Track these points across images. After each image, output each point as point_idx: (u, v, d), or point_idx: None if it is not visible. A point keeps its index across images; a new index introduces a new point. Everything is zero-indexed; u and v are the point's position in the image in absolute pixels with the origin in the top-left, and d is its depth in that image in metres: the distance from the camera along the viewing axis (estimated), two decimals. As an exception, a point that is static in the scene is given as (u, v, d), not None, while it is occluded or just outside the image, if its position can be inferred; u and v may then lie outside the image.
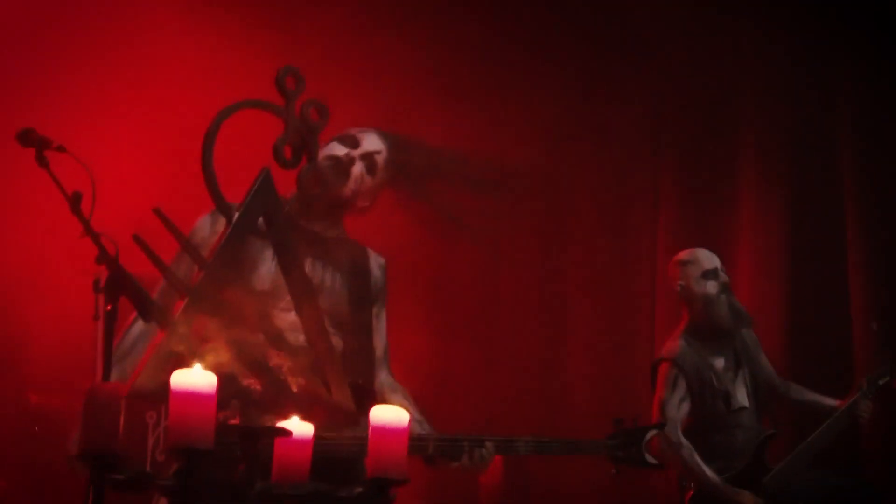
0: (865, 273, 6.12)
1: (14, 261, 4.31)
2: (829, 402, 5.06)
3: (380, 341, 3.54)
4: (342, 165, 3.29)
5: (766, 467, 4.81)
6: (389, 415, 2.59)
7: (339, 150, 3.29)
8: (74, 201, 2.93)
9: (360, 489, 2.57)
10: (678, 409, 4.87)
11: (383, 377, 3.53)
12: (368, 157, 3.35)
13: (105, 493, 2.47)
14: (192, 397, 2.27)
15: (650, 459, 3.70)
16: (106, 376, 2.91)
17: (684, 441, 4.79)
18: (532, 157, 6.71)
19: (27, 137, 3.07)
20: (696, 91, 6.75)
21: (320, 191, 3.18)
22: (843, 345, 6.04)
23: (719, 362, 5.01)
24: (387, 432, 2.57)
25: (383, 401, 3.46)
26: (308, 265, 3.30)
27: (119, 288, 2.75)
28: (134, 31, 4.69)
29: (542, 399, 6.51)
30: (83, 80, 4.44)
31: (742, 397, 4.98)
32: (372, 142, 3.38)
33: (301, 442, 2.66)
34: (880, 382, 4.99)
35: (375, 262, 3.52)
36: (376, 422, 2.58)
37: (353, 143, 3.31)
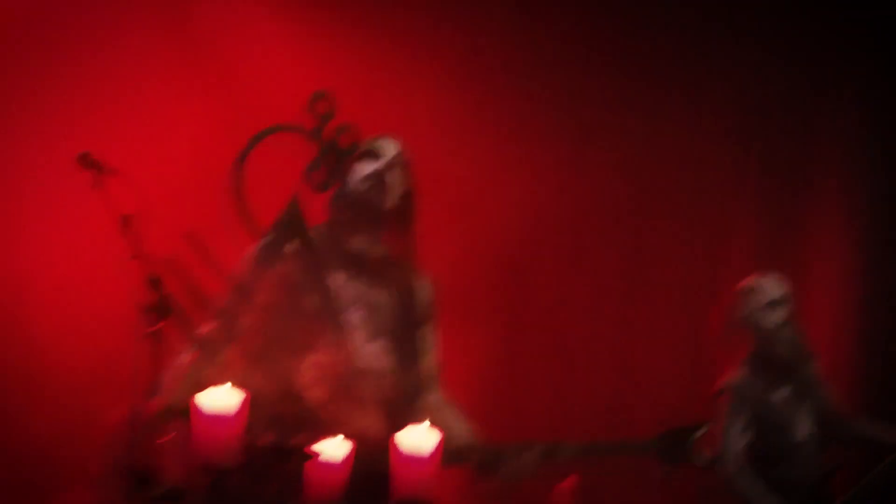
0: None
1: (62, 277, 4.44)
2: (892, 434, 4.97)
3: (430, 359, 3.58)
4: (379, 182, 3.34)
5: (829, 501, 4.74)
6: (414, 437, 2.63)
7: (368, 167, 3.33)
8: (125, 224, 3.02)
9: (384, 509, 2.62)
10: (740, 438, 4.80)
11: (432, 397, 3.56)
12: (396, 163, 3.41)
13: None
14: (217, 416, 2.32)
15: (699, 459, 3.69)
16: (149, 396, 3.00)
17: (745, 471, 4.74)
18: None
19: (86, 160, 3.17)
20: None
21: (353, 213, 3.23)
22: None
23: (781, 394, 4.90)
24: (412, 454, 2.62)
25: (434, 417, 3.50)
26: (363, 285, 3.35)
27: (165, 310, 2.83)
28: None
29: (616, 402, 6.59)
30: (133, 102, 4.56)
31: (804, 430, 4.90)
32: (389, 147, 3.43)
33: (334, 463, 2.71)
34: None
35: (422, 281, 3.56)
36: (402, 444, 2.62)
37: (375, 155, 3.34)
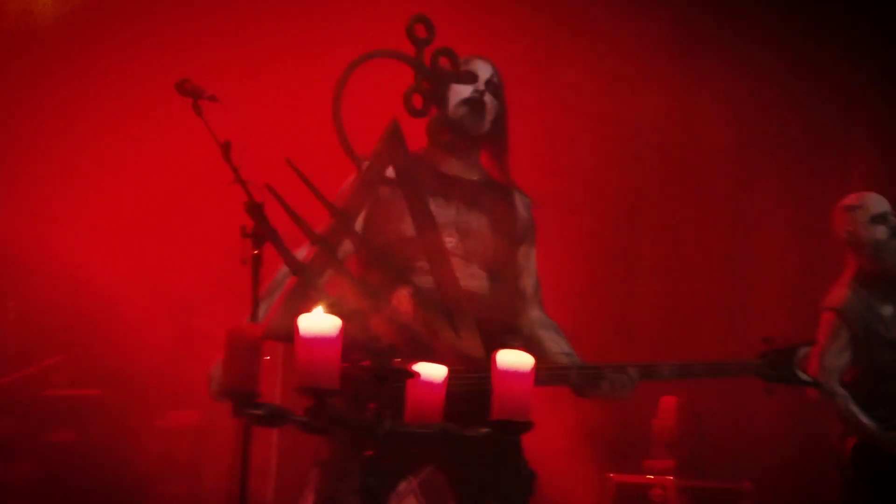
0: None
1: (169, 202, 4.55)
2: None
3: (529, 279, 3.61)
4: (477, 104, 3.36)
5: None
6: (513, 359, 2.65)
7: (465, 90, 3.34)
8: (225, 149, 3.08)
9: (485, 429, 2.65)
10: (837, 358, 4.78)
11: (535, 314, 3.59)
12: (491, 85, 3.42)
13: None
14: (318, 339, 2.37)
15: (803, 377, 3.67)
16: (253, 317, 3.07)
17: (840, 390, 4.72)
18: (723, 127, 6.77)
19: (183, 87, 3.24)
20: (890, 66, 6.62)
21: (452, 137, 3.24)
22: None
23: (888, 309, 4.87)
24: (511, 376, 2.63)
25: (535, 337, 3.54)
26: (454, 210, 3.39)
27: (264, 236, 2.89)
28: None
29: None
30: (232, 32, 4.61)
31: None
32: (484, 69, 3.44)
33: (433, 384, 2.75)
34: None
35: (521, 201, 3.58)
36: (501, 366, 2.64)
37: (472, 77, 3.34)
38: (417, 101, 2.79)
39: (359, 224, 3.22)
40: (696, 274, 7.14)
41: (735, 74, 7.16)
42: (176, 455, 5.42)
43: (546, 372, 3.35)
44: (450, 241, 3.33)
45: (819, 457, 4.91)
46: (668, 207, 7.20)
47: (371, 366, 2.56)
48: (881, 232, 4.85)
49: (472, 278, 3.35)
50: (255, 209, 2.90)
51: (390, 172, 2.73)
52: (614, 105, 7.00)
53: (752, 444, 6.71)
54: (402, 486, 5.50)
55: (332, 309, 2.52)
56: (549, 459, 5.90)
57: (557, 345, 3.52)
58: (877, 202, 4.92)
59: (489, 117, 3.43)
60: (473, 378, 3.08)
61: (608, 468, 6.32)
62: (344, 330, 2.43)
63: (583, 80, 6.51)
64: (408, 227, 2.98)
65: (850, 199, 4.99)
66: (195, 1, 4.71)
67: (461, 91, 3.34)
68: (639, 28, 6.88)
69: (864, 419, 4.66)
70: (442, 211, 3.34)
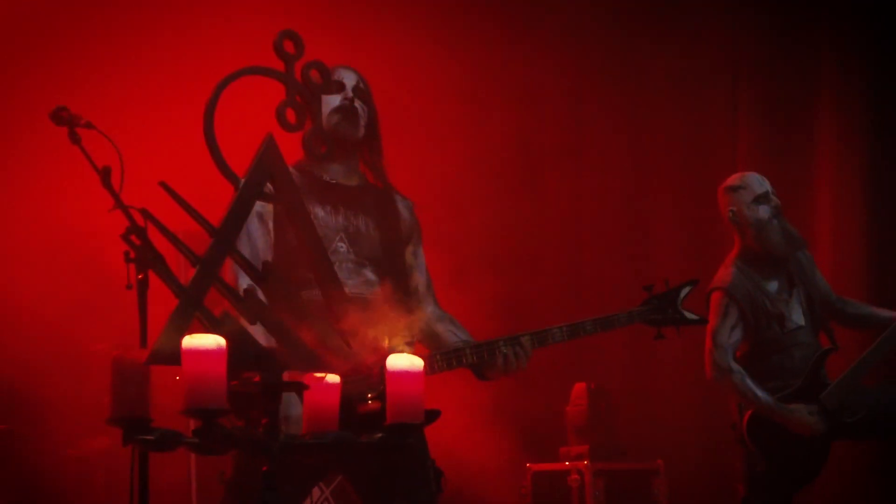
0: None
1: (54, 233, 4.53)
2: (887, 314, 5.05)
3: (421, 277, 3.66)
4: (349, 112, 3.42)
5: (824, 383, 4.83)
6: (404, 362, 2.69)
7: (334, 100, 3.39)
8: (105, 175, 3.07)
9: (379, 435, 2.68)
10: (729, 336, 4.90)
11: (430, 310, 3.64)
12: (359, 91, 3.48)
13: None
14: (203, 359, 2.39)
15: (689, 316, 3.75)
16: (143, 342, 3.07)
17: (734, 366, 4.84)
18: (611, 98, 6.88)
19: (59, 116, 3.23)
20: (775, 28, 6.76)
21: (329, 147, 3.28)
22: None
23: (772, 286, 5.01)
24: (402, 379, 2.67)
25: (432, 332, 3.59)
26: (341, 217, 3.44)
27: (146, 260, 2.88)
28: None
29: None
30: (105, 59, 4.60)
31: (797, 317, 4.99)
32: (349, 77, 3.50)
33: (326, 394, 2.77)
34: None
35: (403, 203, 3.64)
36: (392, 370, 2.68)
37: (339, 86, 3.40)
38: (291, 116, 2.80)
39: (265, 244, 3.27)
40: (597, 243, 7.27)
41: (623, 58, 7.27)
42: (89, 482, 5.38)
43: (441, 356, 3.41)
44: (341, 247, 3.39)
45: (725, 432, 5.01)
46: (567, 183, 7.30)
47: (261, 381, 2.57)
48: (763, 212, 4.99)
49: (364, 284, 3.41)
50: (136, 233, 2.89)
51: (269, 188, 2.74)
52: (514, 92, 7.08)
53: (661, 424, 6.84)
54: (315, 494, 5.55)
55: (220, 328, 2.54)
56: (468, 454, 5.97)
57: (455, 335, 3.58)
58: (758, 182, 5.05)
59: (362, 122, 3.50)
60: (369, 385, 3.11)
61: (528, 459, 6.41)
62: (229, 348, 2.45)
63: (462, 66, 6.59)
64: (292, 238, 3.01)
65: (733, 180, 5.11)
66: (66, 27, 4.68)
67: (331, 101, 3.39)
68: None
69: (760, 393, 4.78)
70: (330, 218, 3.40)
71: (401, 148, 3.69)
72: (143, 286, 3.03)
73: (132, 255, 3.03)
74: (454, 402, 5.75)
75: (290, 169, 3.01)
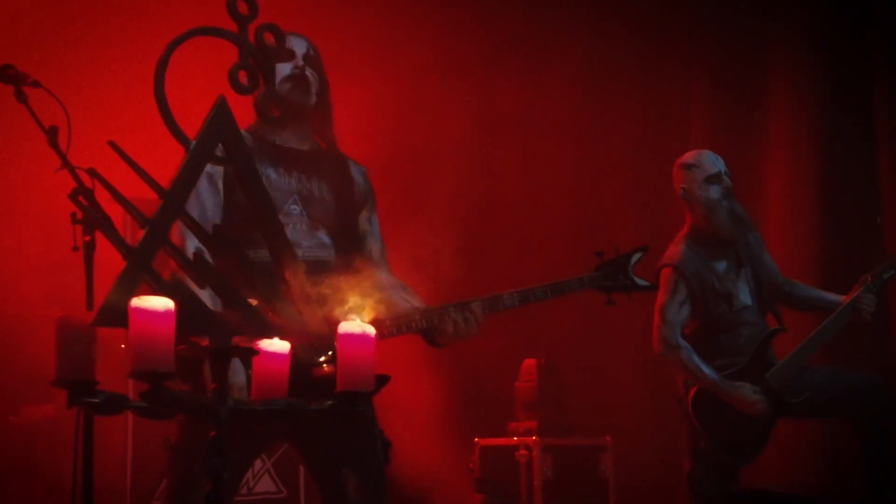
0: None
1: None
2: (834, 297, 5.08)
3: (375, 244, 3.64)
4: (300, 80, 3.40)
5: (770, 363, 4.86)
6: (355, 329, 2.66)
7: (286, 68, 3.36)
8: (52, 135, 3.01)
9: (329, 402, 2.66)
10: (678, 312, 4.93)
11: (383, 277, 3.62)
12: (309, 59, 3.45)
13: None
14: (151, 321, 2.35)
15: (640, 282, 3.77)
16: (89, 304, 3.03)
17: (682, 342, 4.87)
18: (568, 77, 6.87)
19: (5, 74, 3.16)
20: (729, 6, 6.78)
21: (281, 112, 3.25)
22: (875, 248, 6.04)
23: (721, 265, 5.04)
24: (353, 346, 2.65)
25: (385, 299, 3.56)
26: (295, 179, 3.41)
27: (94, 222, 2.84)
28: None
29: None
30: (53, 17, 4.52)
31: (745, 296, 5.02)
32: (299, 44, 3.47)
33: (276, 360, 2.74)
34: (885, 276, 5.01)
35: (357, 169, 3.62)
36: (343, 337, 2.65)
37: (289, 55, 3.36)
38: (244, 78, 2.76)
39: (215, 205, 3.23)
40: (550, 216, 7.29)
41: (579, 32, 7.27)
42: (33, 450, 5.31)
43: (391, 321, 3.39)
44: (294, 209, 3.37)
45: (672, 409, 5.04)
46: (521, 156, 7.32)
47: (210, 345, 2.54)
48: (714, 192, 5.00)
49: (319, 247, 3.39)
50: (84, 195, 2.84)
51: (220, 150, 2.70)
52: (471, 63, 7.06)
53: (610, 401, 6.88)
54: (258, 465, 5.52)
55: (168, 291, 2.50)
56: (416, 429, 5.97)
57: (408, 302, 3.56)
58: (712, 162, 5.06)
59: (314, 90, 3.46)
60: (321, 350, 3.09)
61: (476, 434, 6.41)
62: (178, 311, 2.41)
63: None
64: (244, 201, 2.97)
65: (687, 157, 5.12)
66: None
67: (282, 69, 3.35)
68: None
69: (706, 369, 4.81)
70: (283, 180, 3.38)
71: (355, 115, 3.65)
72: (89, 248, 2.98)
73: (79, 216, 2.98)
74: (404, 375, 5.76)
75: (243, 132, 2.98)
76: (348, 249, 3.44)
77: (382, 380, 3.05)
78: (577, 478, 6.17)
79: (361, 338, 2.65)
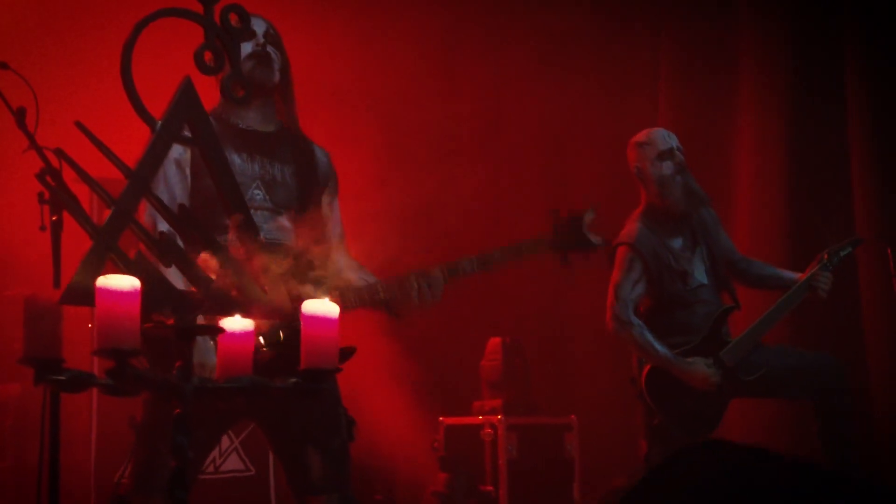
0: (866, 150, 6.13)
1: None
2: (791, 275, 5.14)
3: (335, 228, 3.69)
4: (262, 57, 3.43)
5: (724, 340, 4.93)
6: (319, 307, 2.70)
7: (246, 47, 3.39)
8: (19, 116, 3.03)
9: (294, 380, 2.69)
10: (631, 290, 4.98)
11: (342, 259, 3.65)
12: (269, 37, 3.49)
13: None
14: (116, 300, 2.38)
15: (594, 240, 3.83)
16: (56, 283, 3.05)
17: (634, 320, 4.92)
18: (532, 48, 6.89)
19: (-27, 57, 3.17)
20: None
21: (246, 92, 3.27)
22: (846, 226, 6.10)
23: (676, 242, 5.09)
24: (317, 324, 2.68)
25: (345, 280, 3.60)
26: (258, 164, 3.43)
27: (61, 202, 2.86)
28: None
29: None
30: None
31: (700, 274, 5.07)
32: (259, 24, 3.50)
33: (240, 339, 2.78)
34: (842, 254, 5.05)
35: (320, 151, 3.66)
36: (307, 315, 2.69)
37: (251, 34, 3.39)
38: (209, 59, 2.79)
39: (182, 190, 3.26)
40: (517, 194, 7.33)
41: (546, 6, 7.29)
42: (0, 429, 5.32)
43: (353, 293, 3.43)
44: (257, 195, 3.39)
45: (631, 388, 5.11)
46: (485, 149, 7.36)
47: (175, 323, 2.57)
48: (667, 168, 5.05)
49: (280, 230, 3.42)
50: (51, 175, 2.86)
51: (186, 132, 2.72)
52: (435, 36, 7.07)
53: (575, 380, 6.94)
54: (225, 443, 5.55)
55: (134, 270, 2.53)
56: (380, 407, 6.01)
57: (367, 282, 3.60)
58: (663, 139, 5.10)
59: (276, 67, 3.50)
60: (284, 330, 3.13)
61: (441, 413, 6.46)
62: (144, 290, 2.44)
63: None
64: (209, 184, 3.00)
65: (640, 136, 5.17)
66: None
67: (244, 47, 3.38)
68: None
69: (658, 346, 4.86)
70: (246, 165, 3.41)
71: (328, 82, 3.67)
72: (56, 227, 3.00)
73: (46, 195, 3.00)
74: (368, 355, 5.80)
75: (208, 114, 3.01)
76: (308, 232, 3.48)
77: (348, 352, 3.10)
78: (542, 457, 6.22)
79: (325, 316, 2.69)
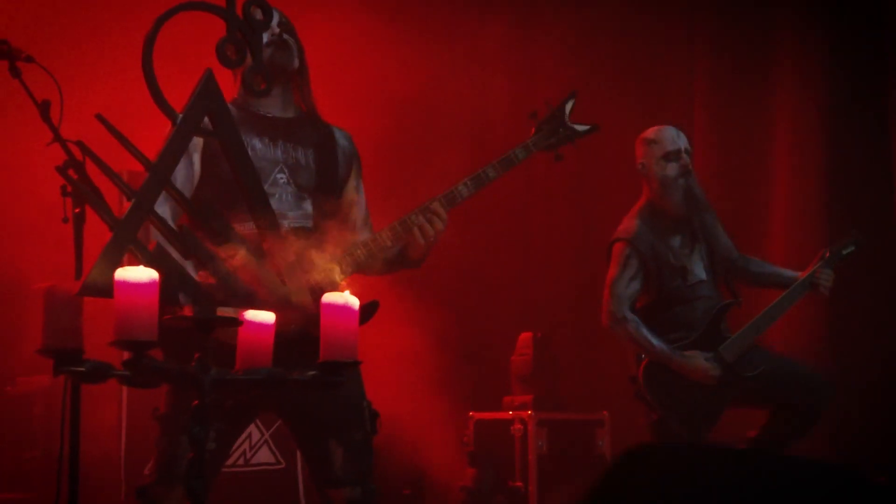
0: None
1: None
2: (791, 273, 5.14)
3: (359, 211, 3.69)
4: (281, 44, 3.44)
5: (723, 336, 4.92)
6: (339, 299, 2.70)
7: (263, 36, 3.39)
8: (44, 109, 3.05)
9: (312, 372, 2.70)
10: (627, 286, 4.98)
11: (367, 237, 3.65)
12: (283, 26, 3.50)
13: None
14: (134, 291, 2.39)
15: (581, 128, 3.81)
16: (78, 275, 3.07)
17: (629, 315, 4.93)
18: (564, 52, 6.85)
19: (1, 49, 3.19)
20: None
21: (267, 82, 3.29)
22: (885, 224, 6.06)
23: (675, 240, 5.08)
24: (337, 317, 2.69)
25: (366, 262, 3.59)
26: (280, 149, 3.45)
27: (83, 194, 2.87)
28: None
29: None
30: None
31: (699, 271, 5.07)
32: (271, 12, 3.50)
33: (261, 330, 2.78)
34: (844, 252, 5.08)
35: (341, 133, 3.67)
36: (327, 307, 2.69)
37: (264, 25, 3.42)
38: (231, 52, 2.80)
39: (194, 178, 3.28)
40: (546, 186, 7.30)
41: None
42: (28, 420, 5.36)
43: (363, 249, 3.44)
44: (281, 178, 3.41)
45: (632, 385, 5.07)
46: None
47: (194, 315, 2.58)
48: (672, 169, 5.01)
49: (304, 217, 3.43)
50: (74, 167, 2.88)
51: (206, 123, 2.73)
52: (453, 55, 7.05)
53: (607, 375, 6.90)
54: (255, 436, 5.57)
55: (152, 262, 2.54)
56: (411, 402, 6.00)
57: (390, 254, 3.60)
58: (672, 139, 5.06)
59: (295, 52, 3.52)
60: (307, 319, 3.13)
61: (471, 407, 6.44)
62: (163, 282, 2.45)
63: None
64: (230, 172, 3.01)
65: (648, 133, 5.13)
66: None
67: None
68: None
69: (655, 341, 4.84)
70: (268, 150, 3.42)
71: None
72: (79, 220, 3.02)
73: (69, 188, 3.02)
74: (398, 348, 5.80)
75: (227, 104, 3.02)
76: (327, 217, 3.49)
77: (371, 308, 3.11)
78: (572, 453, 6.19)
79: (344, 308, 2.69)
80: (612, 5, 7.13)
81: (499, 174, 3.62)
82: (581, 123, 3.78)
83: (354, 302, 2.71)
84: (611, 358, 6.97)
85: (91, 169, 2.78)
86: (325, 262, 3.19)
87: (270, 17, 2.89)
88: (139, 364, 2.41)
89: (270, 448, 5.61)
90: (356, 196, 3.68)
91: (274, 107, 3.52)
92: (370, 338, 3.19)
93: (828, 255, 5.01)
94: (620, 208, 5.51)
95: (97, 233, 2.91)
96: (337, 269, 3.33)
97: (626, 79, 7.16)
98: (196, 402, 2.54)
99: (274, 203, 3.12)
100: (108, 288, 2.44)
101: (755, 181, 6.62)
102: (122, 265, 2.48)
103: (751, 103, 6.75)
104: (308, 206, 3.47)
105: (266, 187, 3.27)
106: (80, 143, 2.69)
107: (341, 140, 3.65)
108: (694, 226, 5.06)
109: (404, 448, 5.97)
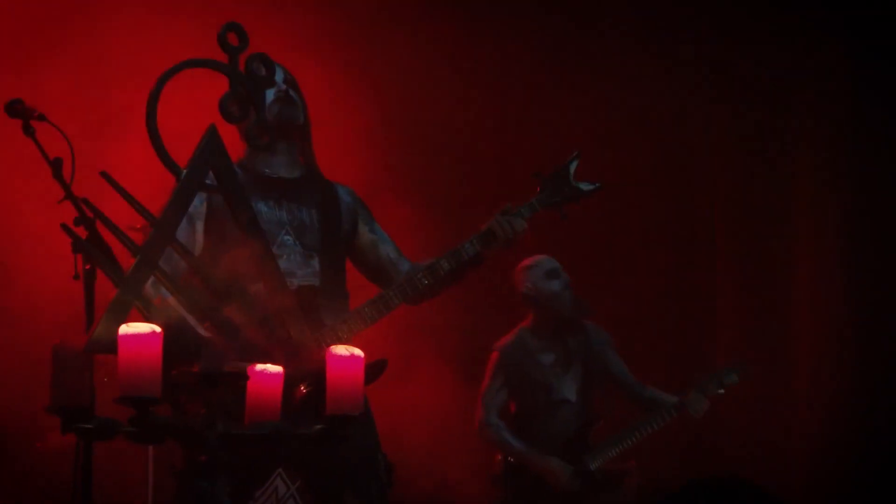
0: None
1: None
2: (671, 398, 5.40)
3: (388, 246, 3.73)
4: (287, 99, 3.47)
5: (587, 446, 5.24)
6: (344, 352, 2.70)
7: (269, 93, 3.42)
8: (56, 167, 3.08)
9: (319, 426, 2.69)
10: (494, 396, 5.36)
11: (407, 268, 3.67)
12: (288, 82, 3.53)
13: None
14: (138, 347, 2.40)
15: (585, 187, 3.81)
16: (89, 331, 3.08)
17: (493, 421, 5.31)
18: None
19: (13, 108, 3.23)
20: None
21: (271, 138, 3.32)
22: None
23: (548, 358, 5.41)
24: (342, 370, 2.69)
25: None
26: (285, 211, 3.48)
27: (92, 251, 2.89)
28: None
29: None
30: (52, 50, 4.64)
31: (568, 392, 5.38)
32: (277, 71, 3.54)
33: (268, 385, 2.79)
34: (726, 382, 5.35)
35: (344, 190, 3.70)
36: (332, 360, 2.69)
37: (271, 82, 3.45)
38: (234, 108, 2.83)
39: (195, 246, 3.30)
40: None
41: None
42: (58, 476, 5.37)
43: (428, 272, 3.52)
44: (287, 240, 3.44)
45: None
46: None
47: (201, 370, 2.59)
48: (556, 285, 5.36)
49: (312, 275, 3.45)
50: (88, 223, 2.90)
51: (211, 179, 2.76)
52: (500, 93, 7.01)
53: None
54: (282, 490, 5.55)
55: (159, 317, 2.56)
56: (435, 447, 5.99)
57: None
58: (548, 261, 5.44)
59: (301, 108, 3.55)
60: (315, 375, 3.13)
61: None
62: (167, 338, 2.46)
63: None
64: (234, 232, 3.03)
65: (527, 261, 5.46)
66: (12, 17, 4.75)
67: (266, 94, 3.41)
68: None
69: (514, 442, 5.22)
70: (273, 213, 3.45)
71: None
72: (90, 276, 3.03)
73: (78, 246, 3.03)
74: (422, 381, 5.80)
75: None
76: (334, 273, 3.53)
77: (378, 367, 3.12)
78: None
79: (349, 360, 2.69)
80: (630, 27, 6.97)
81: (505, 232, 3.64)
82: (586, 182, 3.80)
83: (359, 354, 2.71)
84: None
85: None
86: (331, 319, 3.21)
87: (273, 73, 2.91)
88: (144, 421, 2.41)
89: (296, 502, 5.59)
90: (374, 236, 3.71)
91: (279, 166, 3.53)
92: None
93: (707, 382, 5.31)
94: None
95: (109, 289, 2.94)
96: (344, 327, 3.36)
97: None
98: (203, 457, 2.54)
99: (282, 263, 3.15)
100: (113, 344, 2.45)
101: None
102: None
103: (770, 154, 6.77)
104: (316, 264, 3.48)
105: (273, 249, 3.27)
106: (85, 201, 2.72)
107: (344, 197, 3.67)
108: (570, 347, 5.37)
109: (431, 483, 5.98)
